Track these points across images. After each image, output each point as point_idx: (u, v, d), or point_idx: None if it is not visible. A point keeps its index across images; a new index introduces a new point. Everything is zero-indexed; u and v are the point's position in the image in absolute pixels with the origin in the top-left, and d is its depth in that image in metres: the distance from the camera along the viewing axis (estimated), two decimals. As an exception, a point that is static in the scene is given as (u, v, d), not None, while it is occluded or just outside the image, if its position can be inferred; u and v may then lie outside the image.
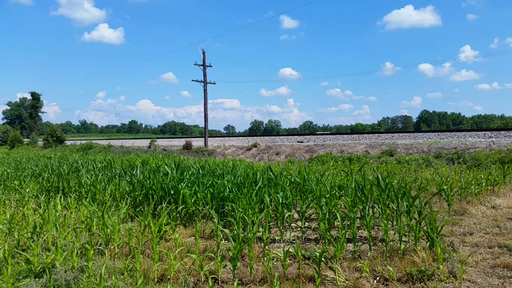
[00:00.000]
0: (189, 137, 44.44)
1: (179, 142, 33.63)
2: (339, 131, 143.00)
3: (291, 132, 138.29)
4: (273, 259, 4.77)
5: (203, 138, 31.59)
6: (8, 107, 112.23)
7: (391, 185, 6.55)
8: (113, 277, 4.01)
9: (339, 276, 4.21)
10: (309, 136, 27.88)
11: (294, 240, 5.78)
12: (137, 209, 7.33)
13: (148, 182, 7.88)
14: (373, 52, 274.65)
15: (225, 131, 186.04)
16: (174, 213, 6.35)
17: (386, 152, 17.53)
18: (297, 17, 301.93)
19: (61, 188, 9.65)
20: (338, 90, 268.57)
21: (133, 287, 4.06)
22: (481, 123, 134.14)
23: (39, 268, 4.45)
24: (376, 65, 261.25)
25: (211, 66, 28.72)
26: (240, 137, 34.51)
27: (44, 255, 4.71)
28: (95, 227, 5.53)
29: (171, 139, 42.49)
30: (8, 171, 13.49)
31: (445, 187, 7.32)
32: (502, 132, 18.98)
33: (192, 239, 5.79)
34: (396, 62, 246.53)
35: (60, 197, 7.72)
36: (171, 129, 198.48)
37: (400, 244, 4.94)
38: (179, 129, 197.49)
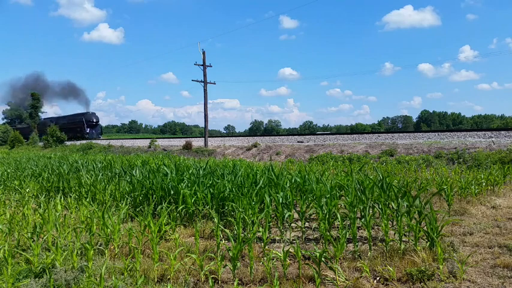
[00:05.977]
0: (189, 137, 44.45)
1: (179, 142, 33.62)
2: (339, 131, 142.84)
3: (291, 132, 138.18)
4: (273, 259, 4.76)
5: (203, 138, 31.57)
6: (8, 107, 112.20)
7: (391, 185, 6.55)
8: (113, 277, 4.01)
9: (339, 276, 4.20)
10: (309, 136, 27.87)
11: (294, 240, 5.78)
12: (137, 209, 7.32)
13: (148, 182, 7.88)
14: (373, 52, 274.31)
15: (225, 131, 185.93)
16: (174, 213, 6.35)
17: (386, 152, 17.53)
18: (297, 17, 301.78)
19: (61, 188, 9.65)
20: (338, 90, 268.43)
21: (133, 287, 4.06)
22: (481, 123, 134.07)
23: (39, 268, 4.45)
24: (376, 65, 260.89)
25: (211, 66, 28.73)
26: (240, 137, 34.51)
27: (44, 255, 4.71)
28: (95, 227, 5.54)
29: (171, 139, 42.48)
30: (8, 171, 13.49)
31: (445, 187, 7.32)
32: (502, 132, 18.97)
33: (192, 239, 5.79)
34: (396, 62, 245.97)
35: (60, 197, 7.72)
36: (171, 129, 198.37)
37: (400, 244, 4.94)
38: (179, 129, 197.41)
